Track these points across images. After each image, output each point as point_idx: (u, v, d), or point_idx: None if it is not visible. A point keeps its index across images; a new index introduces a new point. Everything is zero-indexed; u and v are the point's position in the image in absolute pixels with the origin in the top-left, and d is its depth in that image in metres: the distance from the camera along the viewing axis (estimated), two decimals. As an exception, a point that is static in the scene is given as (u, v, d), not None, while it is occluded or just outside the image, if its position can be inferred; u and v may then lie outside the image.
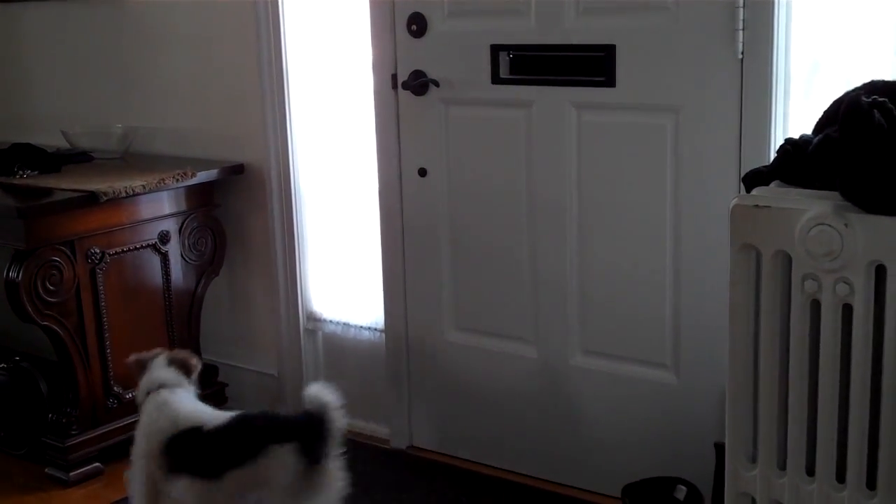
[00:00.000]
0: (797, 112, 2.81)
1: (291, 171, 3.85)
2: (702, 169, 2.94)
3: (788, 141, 2.24)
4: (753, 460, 2.18)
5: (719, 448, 2.71)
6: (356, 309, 3.87)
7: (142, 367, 3.02)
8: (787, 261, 2.07)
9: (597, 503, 3.26)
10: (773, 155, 2.41)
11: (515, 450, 3.49)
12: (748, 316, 2.12)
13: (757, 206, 2.07)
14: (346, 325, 3.91)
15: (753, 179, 2.25)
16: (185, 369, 3.01)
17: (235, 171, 3.91)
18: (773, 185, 2.21)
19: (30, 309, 3.45)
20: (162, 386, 2.93)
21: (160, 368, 2.99)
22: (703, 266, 2.98)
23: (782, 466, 2.14)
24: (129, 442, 3.71)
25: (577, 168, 3.18)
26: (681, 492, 2.73)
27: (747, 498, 2.19)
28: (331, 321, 3.95)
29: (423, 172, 3.48)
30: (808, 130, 2.30)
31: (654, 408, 3.17)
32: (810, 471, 2.13)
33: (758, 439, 2.16)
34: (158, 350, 3.08)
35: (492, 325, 3.47)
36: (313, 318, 3.97)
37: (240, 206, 4.01)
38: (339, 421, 2.69)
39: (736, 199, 2.12)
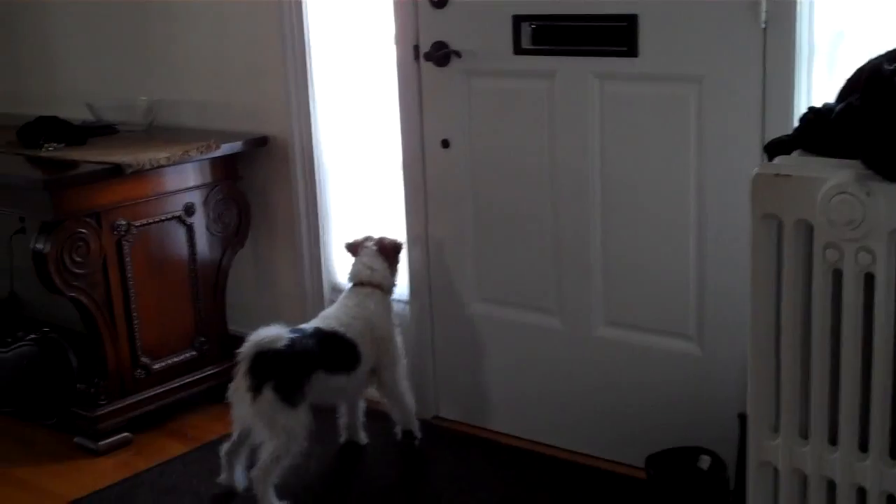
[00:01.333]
0: (821, 82, 2.79)
1: (315, 143, 3.86)
2: (724, 138, 2.93)
3: (811, 109, 2.22)
4: (776, 430, 2.18)
5: (743, 418, 2.70)
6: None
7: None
8: (809, 230, 2.06)
9: (621, 473, 3.27)
10: (795, 125, 2.39)
11: (540, 420, 3.50)
12: (770, 285, 2.12)
13: (778, 175, 2.07)
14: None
15: (775, 148, 2.24)
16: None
17: (259, 144, 3.93)
18: (794, 153, 2.20)
19: (57, 280, 3.48)
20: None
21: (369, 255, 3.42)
22: (727, 236, 2.97)
23: (805, 435, 2.14)
24: (158, 412, 3.79)
25: (600, 138, 3.17)
26: (704, 462, 2.74)
27: (770, 467, 2.19)
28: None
29: (445, 144, 3.48)
30: (832, 100, 2.29)
31: (677, 378, 3.17)
32: (833, 440, 2.13)
33: (780, 409, 2.16)
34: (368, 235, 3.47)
35: (516, 296, 3.48)
36: (337, 290, 3.98)
37: (263, 178, 4.02)
38: None
39: (758, 169, 2.11)
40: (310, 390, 3.16)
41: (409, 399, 3.51)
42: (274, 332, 3.10)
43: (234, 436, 3.25)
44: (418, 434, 3.52)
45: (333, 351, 3.26)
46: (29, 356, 3.88)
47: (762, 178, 2.09)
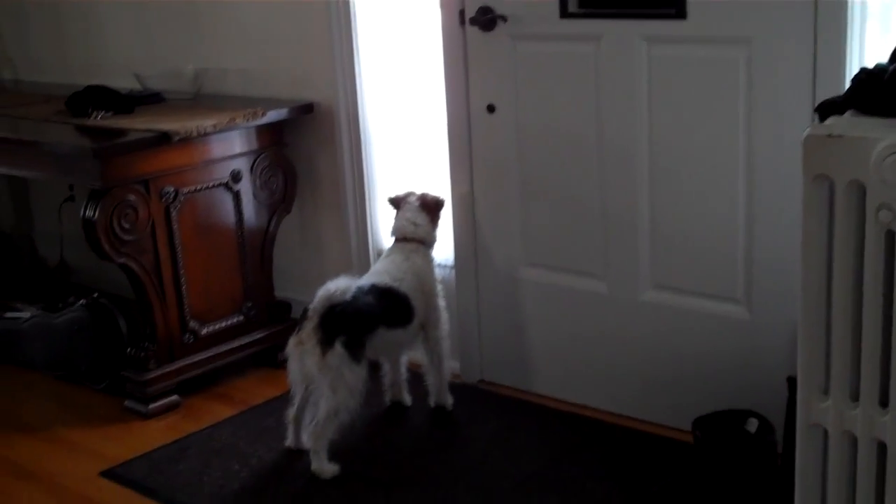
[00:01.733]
0: (873, 43, 2.76)
1: (360, 109, 3.87)
2: (774, 101, 2.90)
3: (863, 70, 2.19)
4: (826, 392, 2.16)
5: (792, 382, 2.69)
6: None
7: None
8: (861, 191, 2.03)
9: (667, 437, 3.27)
10: (847, 86, 2.36)
11: (585, 384, 3.51)
12: (821, 247, 2.10)
13: (830, 135, 2.04)
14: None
15: (827, 109, 2.21)
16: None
17: (305, 111, 3.94)
18: (847, 114, 2.17)
19: (106, 247, 3.52)
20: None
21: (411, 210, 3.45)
22: (776, 199, 2.95)
23: (855, 398, 2.13)
24: (206, 375, 3.83)
25: (648, 102, 3.15)
26: (752, 425, 2.73)
27: (819, 430, 2.18)
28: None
29: (491, 109, 3.48)
30: (885, 61, 2.26)
31: (725, 342, 3.16)
32: (883, 402, 2.11)
33: (830, 371, 2.14)
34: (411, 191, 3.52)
35: (562, 260, 3.48)
36: (383, 256, 4.00)
37: (309, 145, 4.04)
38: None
39: (809, 129, 2.09)
40: (371, 346, 3.21)
41: (447, 365, 3.54)
42: (343, 283, 3.15)
43: (297, 399, 3.30)
44: (450, 408, 3.55)
45: (391, 306, 3.30)
46: (79, 321, 3.94)
47: (814, 140, 2.06)
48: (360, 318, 3.18)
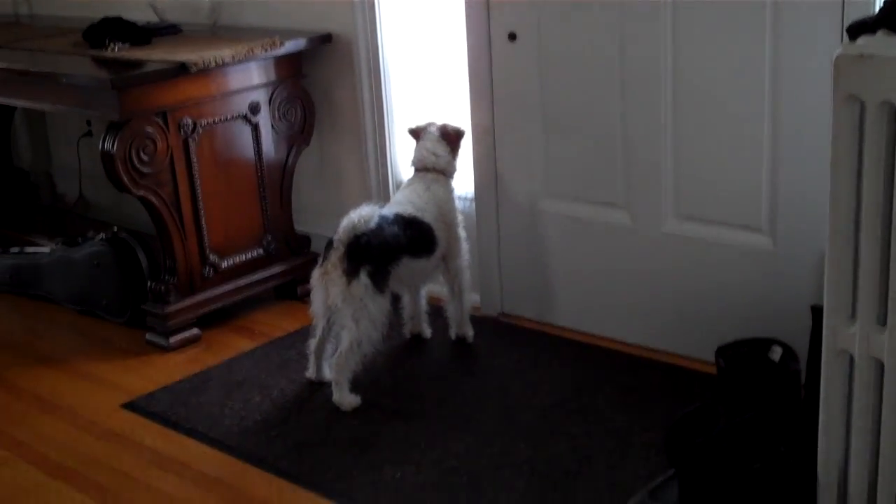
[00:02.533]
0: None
1: (379, 39, 3.82)
2: (802, 23, 2.84)
3: (896, -12, 2.14)
4: (853, 317, 2.14)
5: (816, 311, 2.66)
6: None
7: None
8: (893, 112, 1.99)
9: (690, 368, 3.26)
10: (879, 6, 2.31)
11: (607, 316, 3.49)
12: (850, 170, 2.06)
13: (862, 55, 2.00)
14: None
15: (858, 29, 2.16)
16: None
17: (323, 41, 3.90)
18: (879, 34, 2.12)
19: (125, 179, 3.51)
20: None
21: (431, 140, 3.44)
22: (803, 125, 2.90)
23: (882, 322, 2.11)
24: (226, 309, 3.84)
25: (672, 28, 3.09)
26: (776, 353, 2.70)
27: (846, 355, 2.16)
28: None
29: (512, 37, 3.42)
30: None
31: (748, 273, 3.14)
32: (911, 327, 2.09)
33: (857, 296, 2.12)
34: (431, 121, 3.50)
35: (583, 191, 3.45)
36: (403, 188, 3.97)
37: (328, 77, 4.00)
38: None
39: (840, 50, 2.04)
40: (394, 276, 3.21)
41: (468, 296, 3.53)
42: (367, 212, 3.14)
43: (319, 331, 3.30)
44: (471, 339, 3.54)
45: (415, 235, 3.28)
46: (99, 255, 3.94)
47: (845, 60, 2.02)
48: (386, 248, 3.17)
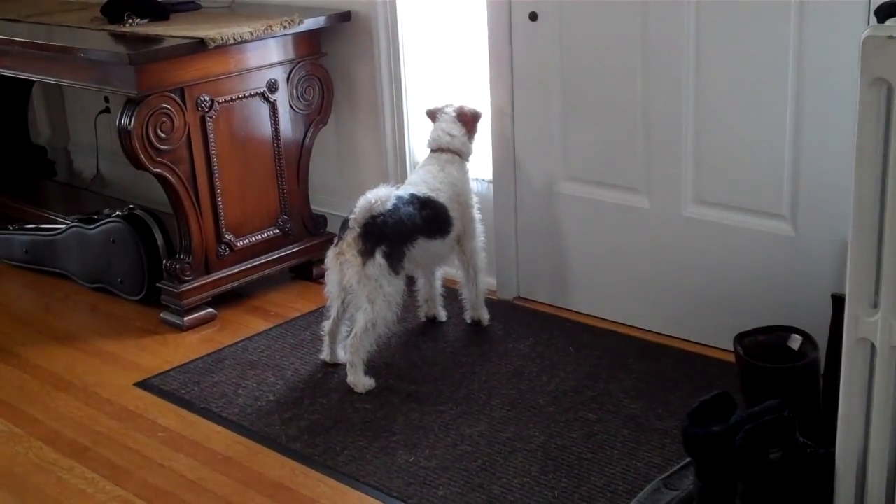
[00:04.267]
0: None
1: (398, 17, 3.79)
2: (829, 3, 2.78)
3: (926, -30, 2.10)
4: (875, 305, 2.10)
5: (837, 299, 2.63)
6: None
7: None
8: (921, 96, 1.95)
9: (708, 355, 3.23)
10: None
11: (625, 302, 3.46)
12: (876, 154, 2.02)
13: (891, 37, 1.95)
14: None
15: (887, 11, 2.12)
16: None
17: (342, 18, 3.87)
18: (907, 16, 2.08)
19: (142, 156, 3.49)
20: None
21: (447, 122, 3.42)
22: (827, 110, 2.85)
23: (905, 312, 2.07)
24: (241, 289, 3.82)
25: (696, 7, 3.04)
26: (795, 341, 2.67)
27: (866, 344, 2.12)
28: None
29: (533, 17, 3.38)
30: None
31: (769, 260, 3.10)
32: (935, 317, 2.05)
33: (880, 284, 2.08)
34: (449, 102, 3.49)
35: (603, 174, 3.41)
36: (421, 168, 3.95)
37: (347, 55, 3.97)
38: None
39: (868, 31, 2.00)
40: (409, 257, 3.19)
41: (483, 278, 3.51)
42: (383, 192, 3.12)
43: (333, 312, 3.28)
44: (486, 323, 3.52)
45: (430, 216, 3.26)
46: (115, 233, 3.92)
47: (872, 41, 1.97)
48: (401, 228, 3.15)
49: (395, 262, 3.12)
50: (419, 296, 3.57)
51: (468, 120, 3.43)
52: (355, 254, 3.09)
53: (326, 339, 3.33)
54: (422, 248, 3.24)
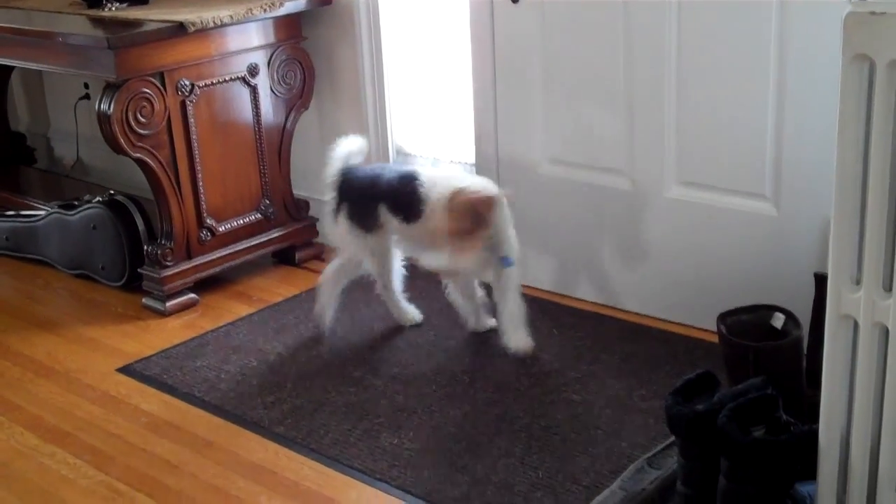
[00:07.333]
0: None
1: (379, 1, 3.77)
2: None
3: (908, -55, 2.09)
4: (858, 282, 2.11)
5: (819, 278, 2.64)
6: (446, 144, 3.82)
7: None
8: (903, 72, 1.95)
9: (691, 335, 3.23)
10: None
11: (608, 282, 3.46)
12: (858, 131, 2.02)
13: (873, 12, 1.95)
14: (435, 160, 3.88)
15: (869, -12, 2.12)
16: None
17: (323, 2, 3.85)
18: (890, -8, 2.08)
19: (122, 141, 3.46)
20: None
21: None
22: (808, 88, 2.86)
23: (888, 288, 2.07)
24: (223, 274, 3.81)
25: (677, -11, 3.05)
26: (778, 319, 2.67)
27: (849, 321, 2.12)
28: (420, 157, 3.92)
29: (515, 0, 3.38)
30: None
31: (751, 240, 3.10)
32: (918, 293, 2.05)
33: (863, 260, 2.08)
34: None
35: (585, 157, 3.41)
36: (402, 153, 3.94)
37: (328, 39, 3.95)
38: None
39: (850, 7, 2.00)
40: (391, 232, 3.26)
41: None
42: (357, 144, 3.31)
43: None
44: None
45: (402, 192, 3.16)
46: (96, 218, 3.90)
47: (855, 17, 1.97)
48: (364, 193, 3.22)
49: (362, 222, 3.22)
50: (460, 311, 3.40)
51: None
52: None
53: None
54: (395, 227, 3.21)
